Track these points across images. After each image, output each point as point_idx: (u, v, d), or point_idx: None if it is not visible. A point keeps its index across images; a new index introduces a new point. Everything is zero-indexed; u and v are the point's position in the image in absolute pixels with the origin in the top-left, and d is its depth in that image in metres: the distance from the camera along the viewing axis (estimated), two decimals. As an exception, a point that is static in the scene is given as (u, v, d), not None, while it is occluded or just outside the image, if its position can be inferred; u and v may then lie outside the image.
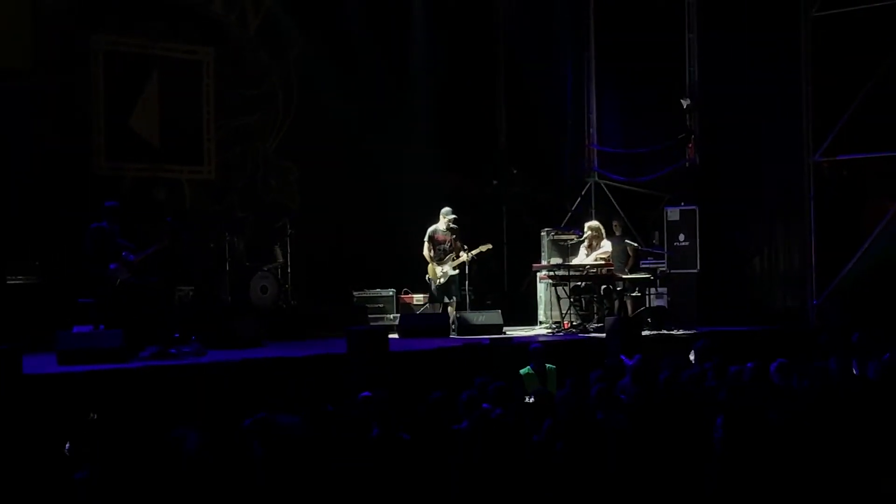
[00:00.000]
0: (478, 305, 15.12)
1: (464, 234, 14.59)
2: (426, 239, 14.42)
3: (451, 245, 14.40)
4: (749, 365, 8.87)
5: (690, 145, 16.09)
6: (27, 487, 6.26)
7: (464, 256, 14.32)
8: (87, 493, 5.84)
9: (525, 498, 6.54)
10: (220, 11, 15.85)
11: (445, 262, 14.34)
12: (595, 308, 14.40)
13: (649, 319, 14.20)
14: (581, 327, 14.19)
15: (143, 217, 13.22)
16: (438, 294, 14.48)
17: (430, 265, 14.42)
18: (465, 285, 14.53)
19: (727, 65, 15.94)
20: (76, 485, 5.84)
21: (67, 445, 6.29)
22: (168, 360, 10.81)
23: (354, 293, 15.73)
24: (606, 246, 14.34)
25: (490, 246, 14.81)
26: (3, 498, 6.38)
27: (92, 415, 6.64)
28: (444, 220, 14.43)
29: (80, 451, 6.09)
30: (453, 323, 14.05)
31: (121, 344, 10.59)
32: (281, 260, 14.91)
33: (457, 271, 14.38)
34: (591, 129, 17.80)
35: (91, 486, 5.79)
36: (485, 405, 7.44)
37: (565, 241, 15.53)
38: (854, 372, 9.30)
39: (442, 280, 14.38)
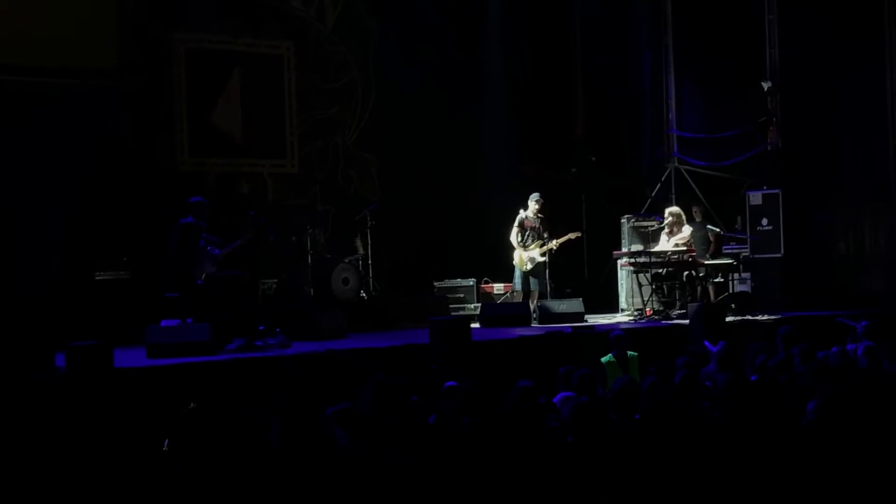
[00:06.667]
0: (558, 294, 15.09)
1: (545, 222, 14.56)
2: (515, 224, 14.42)
3: (539, 231, 14.39)
4: (834, 349, 8.75)
5: (772, 128, 15.86)
6: (120, 477, 6.39)
7: (552, 243, 14.30)
8: (180, 482, 5.96)
9: (614, 484, 6.53)
10: (299, 6, 16.02)
11: (532, 248, 14.34)
12: (677, 294, 14.29)
13: (733, 305, 14.06)
14: (663, 314, 14.09)
15: (227, 212, 13.37)
16: (524, 280, 14.42)
17: (516, 251, 14.42)
18: (546, 274, 14.52)
19: (808, 46, 15.69)
20: (171, 474, 5.97)
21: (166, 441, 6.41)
22: (254, 352, 10.98)
23: (435, 283, 15.79)
24: (686, 231, 14.21)
25: (578, 234, 14.81)
26: (97, 486, 6.53)
27: (191, 404, 6.76)
28: (533, 206, 14.41)
29: (176, 442, 6.21)
30: (534, 312, 14.06)
31: (208, 337, 10.79)
32: (362, 252, 15.03)
33: (544, 258, 14.36)
34: (669, 115, 17.66)
35: (183, 475, 5.91)
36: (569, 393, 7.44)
37: (646, 227, 15.41)
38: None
39: (529, 266, 14.35)
